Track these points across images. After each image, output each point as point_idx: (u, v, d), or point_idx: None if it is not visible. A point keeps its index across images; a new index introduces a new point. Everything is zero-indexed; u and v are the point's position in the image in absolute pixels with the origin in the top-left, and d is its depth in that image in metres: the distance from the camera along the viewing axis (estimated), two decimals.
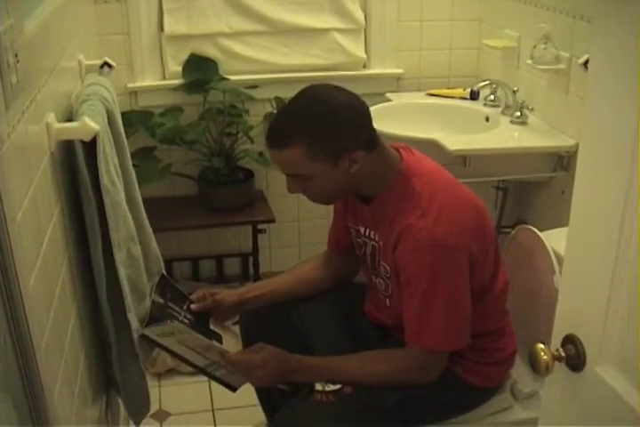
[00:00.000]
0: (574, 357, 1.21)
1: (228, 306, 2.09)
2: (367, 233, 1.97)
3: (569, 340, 1.22)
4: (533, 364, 1.23)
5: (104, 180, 1.69)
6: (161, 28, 3.12)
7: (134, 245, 1.88)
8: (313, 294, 2.17)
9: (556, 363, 1.23)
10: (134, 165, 2.04)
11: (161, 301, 1.92)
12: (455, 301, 1.81)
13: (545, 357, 1.21)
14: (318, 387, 1.88)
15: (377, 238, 1.93)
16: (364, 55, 3.33)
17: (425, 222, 1.76)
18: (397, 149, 1.91)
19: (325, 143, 1.76)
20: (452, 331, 1.83)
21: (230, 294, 2.11)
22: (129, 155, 1.95)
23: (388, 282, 1.92)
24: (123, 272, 1.79)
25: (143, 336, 1.82)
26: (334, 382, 1.89)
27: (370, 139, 1.82)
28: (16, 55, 1.24)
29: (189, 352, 1.89)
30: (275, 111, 3.10)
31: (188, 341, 1.87)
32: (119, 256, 1.77)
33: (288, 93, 3.15)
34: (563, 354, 1.22)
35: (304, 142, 1.75)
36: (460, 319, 1.83)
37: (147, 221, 2.05)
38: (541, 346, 1.22)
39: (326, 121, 1.76)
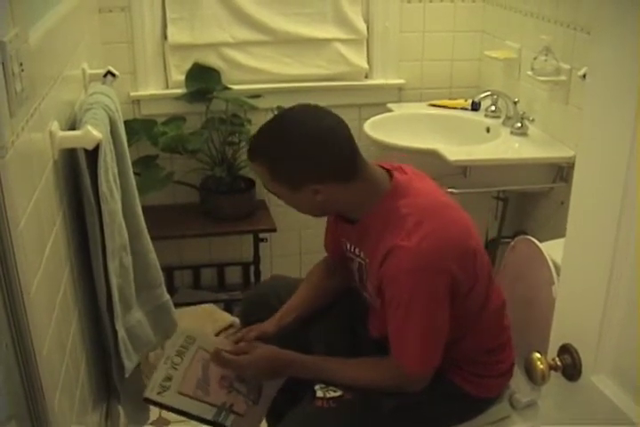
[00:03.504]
0: (570, 366, 1.22)
1: (272, 337, 2.08)
2: (353, 250, 1.98)
3: (565, 349, 1.23)
4: (530, 373, 1.23)
5: (103, 188, 1.70)
6: (165, 37, 3.14)
7: (126, 255, 1.88)
8: (329, 303, 2.19)
9: (553, 372, 1.24)
10: (136, 174, 2.05)
11: None
12: (431, 325, 1.81)
13: (541, 366, 1.22)
14: (319, 394, 1.90)
15: (362, 256, 1.93)
16: (366, 65, 3.35)
17: (409, 246, 1.74)
18: (389, 170, 1.89)
19: (283, 171, 1.79)
20: (428, 353, 1.84)
21: (269, 327, 2.10)
22: (130, 164, 1.96)
23: (375, 297, 1.92)
24: (114, 281, 1.80)
25: (146, 400, 1.89)
26: (335, 390, 1.91)
27: (341, 171, 1.79)
28: (21, 64, 1.25)
29: (192, 404, 1.93)
30: None
31: (187, 376, 1.94)
32: (112, 265, 1.78)
33: (290, 103, 3.16)
34: (559, 363, 1.23)
35: (266, 164, 1.80)
36: (434, 342, 1.83)
37: (145, 231, 2.04)
38: (538, 355, 1.23)
39: (288, 151, 1.77)
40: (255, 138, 1.87)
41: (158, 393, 1.90)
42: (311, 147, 1.76)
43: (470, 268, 1.82)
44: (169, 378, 1.93)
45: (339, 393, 1.90)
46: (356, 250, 1.96)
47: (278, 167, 1.79)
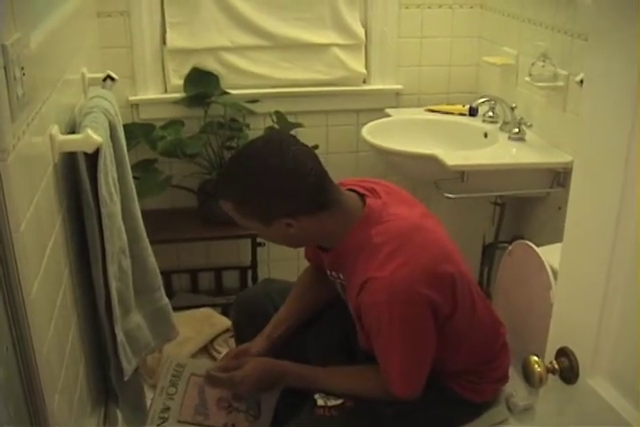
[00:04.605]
0: (567, 369, 1.22)
1: (264, 353, 2.08)
2: (331, 273, 1.98)
3: (562, 352, 1.24)
4: (527, 376, 1.24)
5: (103, 191, 1.70)
6: (163, 41, 3.15)
7: (125, 259, 1.89)
8: (320, 309, 2.19)
9: (550, 376, 1.24)
10: (135, 178, 2.05)
11: None
12: (413, 350, 1.82)
13: (539, 369, 1.22)
14: (320, 402, 1.90)
15: (342, 277, 1.93)
16: (364, 70, 3.35)
17: (382, 277, 1.74)
18: (364, 194, 1.88)
19: (252, 208, 1.77)
20: (412, 377, 1.85)
21: (260, 344, 2.09)
22: (129, 168, 1.97)
23: (356, 319, 1.91)
24: (113, 285, 1.80)
25: None
26: (336, 398, 1.92)
27: (310, 203, 1.77)
28: (22, 68, 1.26)
29: None
30: (275, 126, 3.12)
31: (185, 404, 1.98)
32: (111, 268, 1.79)
33: (288, 108, 3.21)
34: (556, 366, 1.24)
35: (232, 201, 1.78)
36: (418, 366, 1.85)
37: (144, 235, 2.05)
38: (535, 358, 1.24)
39: (253, 189, 1.75)
40: (219, 177, 1.86)
41: (158, 425, 1.91)
42: (276, 183, 1.73)
43: (448, 292, 1.80)
44: (167, 409, 1.95)
45: (340, 401, 1.91)
46: (333, 273, 1.96)
47: (245, 205, 1.78)
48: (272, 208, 1.76)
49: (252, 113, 3.13)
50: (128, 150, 2.01)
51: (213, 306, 3.28)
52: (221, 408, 2.00)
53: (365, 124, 3.14)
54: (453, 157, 2.72)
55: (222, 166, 3.11)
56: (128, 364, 1.89)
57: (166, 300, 2.14)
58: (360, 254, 1.80)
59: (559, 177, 2.73)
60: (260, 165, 1.74)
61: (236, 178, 1.78)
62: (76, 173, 1.71)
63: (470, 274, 1.94)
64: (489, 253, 3.19)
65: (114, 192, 1.79)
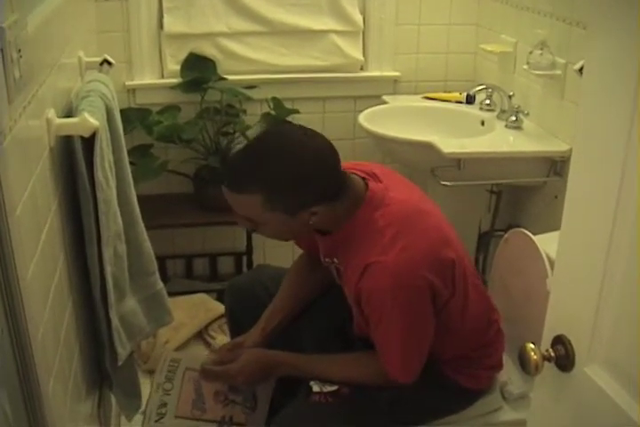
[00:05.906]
0: (563, 357, 1.23)
1: (259, 346, 2.08)
2: (324, 259, 1.97)
3: (559, 340, 1.24)
4: (523, 363, 1.24)
5: (99, 176, 1.70)
6: (161, 26, 3.13)
7: (120, 244, 1.88)
8: (316, 296, 2.19)
9: (546, 363, 1.25)
10: (131, 163, 2.05)
11: None
12: (413, 337, 1.83)
13: (535, 356, 1.23)
14: (316, 388, 1.91)
15: (337, 262, 1.93)
16: (362, 57, 3.34)
17: (385, 262, 1.73)
18: (365, 178, 1.87)
19: (283, 198, 1.73)
20: (410, 363, 1.86)
21: (255, 337, 2.09)
22: (126, 152, 1.96)
23: (354, 305, 1.91)
24: (108, 269, 1.80)
25: None
26: (331, 384, 1.92)
27: (332, 190, 1.77)
28: (19, 50, 1.25)
29: (192, 425, 1.99)
30: (272, 112, 3.12)
31: (182, 399, 2.01)
32: (106, 253, 1.78)
33: (285, 94, 3.20)
34: (552, 354, 1.24)
35: (262, 194, 1.71)
36: (417, 352, 1.85)
37: (140, 220, 2.04)
38: (531, 346, 1.24)
39: (286, 176, 1.71)
40: (242, 165, 1.76)
41: (156, 421, 1.92)
42: (307, 168, 1.71)
43: (449, 277, 1.81)
44: (164, 405, 1.96)
45: (335, 387, 1.91)
46: (327, 259, 1.96)
47: (278, 193, 1.72)
48: (303, 196, 1.74)
49: (248, 99, 3.12)
50: (124, 135, 2.00)
51: (208, 292, 3.28)
52: (218, 402, 2.01)
53: (362, 111, 3.13)
54: (450, 144, 2.72)
55: (219, 153, 3.11)
56: (122, 349, 1.89)
57: (161, 284, 2.14)
58: (363, 238, 1.80)
59: (556, 166, 2.72)
60: (289, 153, 1.72)
61: (266, 167, 1.72)
62: (73, 157, 1.70)
63: (466, 258, 1.94)
64: (485, 242, 3.19)
65: (110, 176, 1.78)
